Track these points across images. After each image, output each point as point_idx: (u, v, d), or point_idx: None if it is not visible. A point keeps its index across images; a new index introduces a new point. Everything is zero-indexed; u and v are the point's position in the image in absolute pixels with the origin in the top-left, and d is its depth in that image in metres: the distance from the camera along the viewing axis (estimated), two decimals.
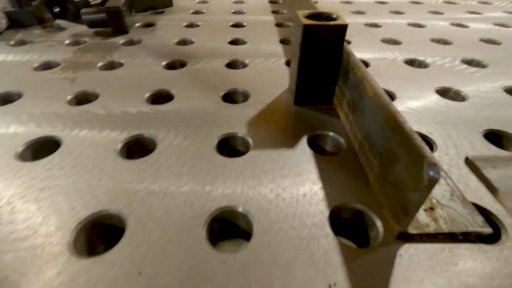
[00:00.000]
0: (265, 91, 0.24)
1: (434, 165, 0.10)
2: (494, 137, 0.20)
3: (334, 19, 0.19)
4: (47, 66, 0.29)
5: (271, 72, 0.27)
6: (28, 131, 0.20)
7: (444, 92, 0.25)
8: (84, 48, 0.32)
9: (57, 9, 0.40)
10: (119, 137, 0.19)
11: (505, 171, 0.13)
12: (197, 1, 0.49)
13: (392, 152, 0.14)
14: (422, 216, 0.14)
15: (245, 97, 0.24)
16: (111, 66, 0.29)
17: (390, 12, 0.44)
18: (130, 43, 0.34)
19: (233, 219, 0.15)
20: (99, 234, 0.15)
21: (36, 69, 0.28)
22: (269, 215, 0.14)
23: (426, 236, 0.13)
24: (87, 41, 0.34)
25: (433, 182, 0.11)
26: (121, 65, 0.29)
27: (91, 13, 0.34)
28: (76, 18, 0.39)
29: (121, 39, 0.34)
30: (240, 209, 0.15)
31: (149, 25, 0.39)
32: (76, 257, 0.13)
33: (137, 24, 0.39)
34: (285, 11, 0.44)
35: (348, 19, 0.41)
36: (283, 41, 0.34)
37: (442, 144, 0.19)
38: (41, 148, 0.19)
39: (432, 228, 0.13)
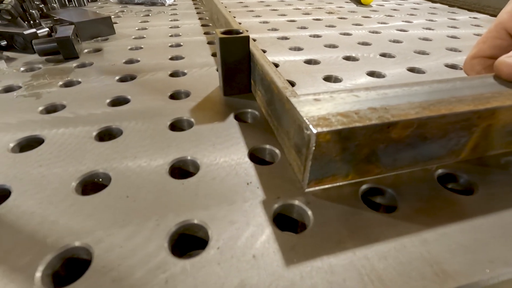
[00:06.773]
0: (202, 90, 0.32)
1: (309, 128, 0.16)
2: None
3: (241, 33, 0.29)
4: (10, 89, 0.33)
5: (205, 77, 0.36)
6: (12, 133, 0.25)
7: (328, 78, 0.36)
8: (41, 73, 0.37)
9: (3, 42, 0.44)
10: (92, 130, 0.25)
11: None
12: (137, 28, 0.56)
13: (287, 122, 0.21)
14: None
15: (187, 95, 0.32)
16: (70, 83, 0.34)
17: (297, 28, 0.56)
18: (83, 65, 0.39)
19: (185, 167, 0.22)
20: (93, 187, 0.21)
21: (0, 92, 0.32)
22: (209, 158, 0.22)
23: None
24: (41, 67, 0.38)
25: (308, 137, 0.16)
26: (79, 82, 0.34)
27: (43, 43, 0.39)
28: (24, 49, 0.43)
29: (73, 63, 0.39)
30: (189, 158, 0.22)
31: (97, 50, 0.45)
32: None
33: (86, 50, 0.44)
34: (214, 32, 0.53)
35: (264, 34, 0.51)
36: (214, 55, 0.43)
37: None
38: (28, 146, 0.24)
39: None
